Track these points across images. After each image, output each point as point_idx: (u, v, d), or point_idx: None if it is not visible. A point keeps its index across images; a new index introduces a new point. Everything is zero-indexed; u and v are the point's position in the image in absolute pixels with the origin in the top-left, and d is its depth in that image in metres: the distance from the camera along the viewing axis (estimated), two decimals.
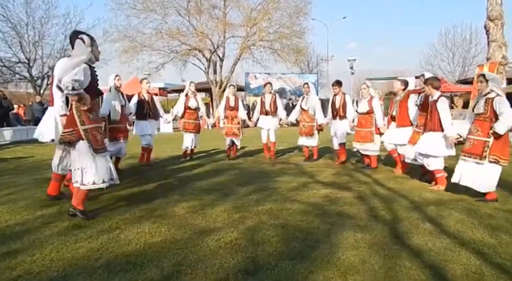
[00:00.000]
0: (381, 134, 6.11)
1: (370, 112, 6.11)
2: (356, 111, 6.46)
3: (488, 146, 3.98)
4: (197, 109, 7.32)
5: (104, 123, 5.86)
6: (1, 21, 20.00)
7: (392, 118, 5.86)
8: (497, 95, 3.97)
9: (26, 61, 21.68)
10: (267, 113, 7.41)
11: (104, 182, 3.45)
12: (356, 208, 3.81)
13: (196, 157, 7.83)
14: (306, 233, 3.02)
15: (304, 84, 7.42)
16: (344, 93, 6.76)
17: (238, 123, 7.37)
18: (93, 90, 3.48)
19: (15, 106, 16.07)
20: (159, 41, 23.34)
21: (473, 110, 4.19)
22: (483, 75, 4.11)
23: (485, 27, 11.39)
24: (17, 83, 23.83)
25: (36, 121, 15.47)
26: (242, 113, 7.54)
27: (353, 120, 6.53)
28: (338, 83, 6.79)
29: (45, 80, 21.30)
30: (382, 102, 6.77)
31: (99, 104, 3.94)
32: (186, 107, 7.23)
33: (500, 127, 3.88)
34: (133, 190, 4.62)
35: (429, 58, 33.15)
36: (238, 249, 2.70)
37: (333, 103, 6.76)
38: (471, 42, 31.29)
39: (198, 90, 29.90)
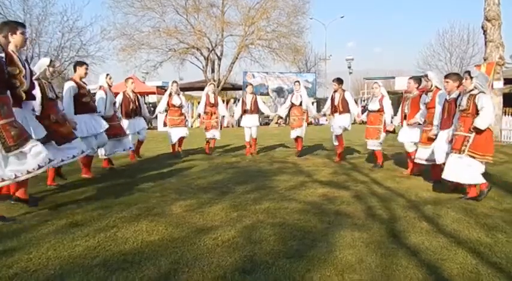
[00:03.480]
0: (387, 132, 6.21)
1: (380, 110, 6.24)
2: (367, 108, 6.67)
3: (468, 141, 4.01)
4: (181, 107, 7.69)
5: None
6: None
7: (405, 117, 5.85)
8: (480, 91, 4.01)
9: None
10: (248, 112, 8.04)
11: (28, 172, 3.26)
12: (353, 207, 3.82)
13: (194, 156, 7.84)
14: (304, 232, 3.03)
15: (295, 82, 8.09)
16: (344, 90, 7.05)
17: (217, 118, 8.03)
18: (2, 83, 3.21)
19: None
20: (157, 39, 23.29)
21: (458, 107, 4.22)
22: (468, 72, 4.18)
23: (482, 27, 11.42)
24: None
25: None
26: (222, 109, 8.24)
27: (357, 115, 6.91)
28: (338, 80, 7.08)
29: None
30: None
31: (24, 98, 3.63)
32: (170, 105, 7.58)
33: (480, 122, 3.90)
34: (130, 189, 4.61)
35: (427, 58, 33.25)
36: (236, 247, 2.70)
37: (332, 99, 7.06)
38: (468, 42, 31.41)
39: (196, 88, 29.90)
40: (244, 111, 8.05)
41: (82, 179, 5.22)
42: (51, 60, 4.64)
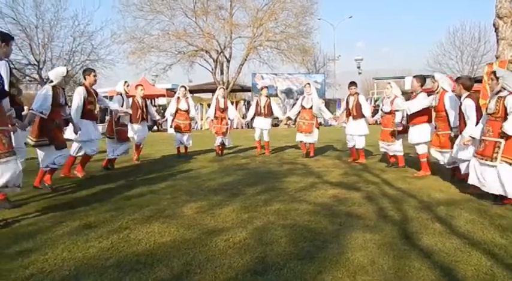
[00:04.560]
0: (399, 132, 6.13)
1: (392, 112, 6.17)
2: (381, 110, 6.62)
3: (499, 147, 3.71)
4: (187, 111, 7.80)
5: (111, 125, 6.19)
6: (11, 24, 20.26)
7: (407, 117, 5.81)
8: (510, 93, 3.70)
9: (36, 63, 21.95)
10: (261, 115, 8.07)
11: (6, 187, 3.31)
12: (365, 208, 3.80)
13: (204, 157, 7.89)
14: (315, 234, 3.02)
15: (306, 84, 7.98)
16: (358, 94, 6.98)
17: (227, 124, 8.05)
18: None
19: (25, 107, 16.17)
20: (166, 42, 23.51)
21: (486, 110, 4.01)
22: (494, 73, 3.87)
23: (494, 25, 11.25)
24: (27, 84, 24.12)
25: None
26: (231, 113, 8.31)
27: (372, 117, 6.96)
28: (353, 84, 7.01)
29: None
30: None
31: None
32: (177, 109, 7.76)
33: (508, 127, 3.59)
34: (142, 190, 4.66)
35: (437, 57, 32.83)
36: (247, 249, 2.70)
37: (347, 103, 7.01)
38: (480, 40, 30.94)
39: (205, 90, 30.06)
40: (258, 114, 8.07)
41: (94, 181, 5.29)
42: (67, 71, 4.92)
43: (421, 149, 5.61)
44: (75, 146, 5.49)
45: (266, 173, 5.93)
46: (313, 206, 3.88)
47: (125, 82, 6.57)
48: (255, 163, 7.09)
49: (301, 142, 7.88)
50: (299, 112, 7.79)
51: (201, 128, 18.72)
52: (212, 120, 8.12)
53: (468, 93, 4.54)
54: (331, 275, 2.29)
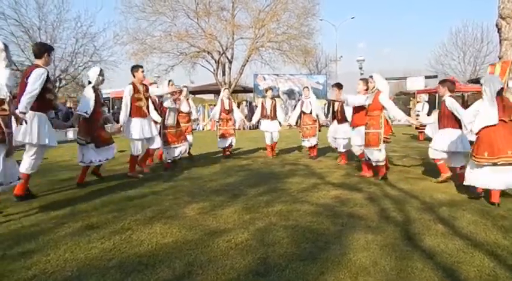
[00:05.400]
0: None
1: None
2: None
3: None
4: (189, 113, 7.51)
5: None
6: (14, 26, 20.34)
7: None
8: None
9: None
10: (267, 118, 7.91)
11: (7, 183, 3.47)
12: (367, 209, 3.79)
13: (205, 158, 7.88)
14: (317, 235, 3.02)
15: (304, 88, 7.88)
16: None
17: (233, 124, 7.92)
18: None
19: None
20: (168, 44, 23.52)
21: None
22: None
23: (496, 25, 11.21)
24: None
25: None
26: (237, 115, 8.12)
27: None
28: (337, 86, 6.78)
29: (57, 83, 21.60)
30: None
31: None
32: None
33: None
34: (144, 191, 4.66)
35: (439, 57, 32.74)
36: (249, 250, 2.71)
37: (332, 106, 6.98)
38: (482, 41, 30.83)
39: (207, 91, 30.01)
40: (264, 116, 7.94)
41: (95, 182, 5.30)
42: (100, 70, 5.27)
43: (360, 150, 5.73)
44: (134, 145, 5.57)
45: (268, 174, 5.92)
46: (315, 207, 3.87)
47: (169, 81, 6.41)
48: (256, 164, 7.09)
49: (309, 147, 7.79)
50: (299, 117, 7.73)
51: (203, 129, 18.74)
52: (217, 121, 8.02)
53: (450, 94, 4.96)
54: (333, 276, 2.29)
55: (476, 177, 3.98)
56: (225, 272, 2.35)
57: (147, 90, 5.74)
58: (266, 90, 8.68)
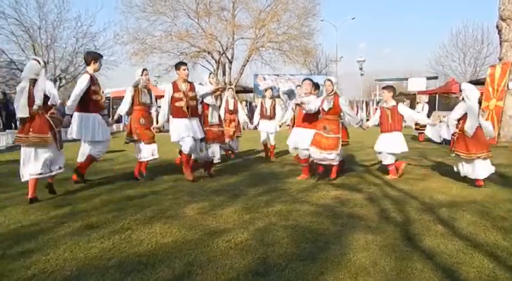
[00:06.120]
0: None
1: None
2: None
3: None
4: (235, 112, 7.48)
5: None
6: (15, 25, 20.35)
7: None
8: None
9: None
10: (266, 118, 7.73)
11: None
12: (367, 209, 3.79)
13: None
14: (316, 235, 3.02)
15: (297, 86, 7.68)
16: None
17: (235, 126, 7.64)
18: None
19: None
20: (168, 43, 23.56)
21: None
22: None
23: (497, 27, 11.24)
24: None
25: None
26: (242, 116, 7.91)
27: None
28: (308, 83, 5.93)
29: (58, 83, 21.60)
30: None
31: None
32: (227, 110, 7.48)
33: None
34: (144, 191, 4.66)
35: (440, 59, 32.80)
36: (249, 250, 2.70)
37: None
38: (483, 42, 30.89)
39: None
40: (263, 116, 7.74)
41: (95, 182, 5.30)
42: (143, 70, 5.45)
43: (305, 154, 5.46)
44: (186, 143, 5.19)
45: (268, 174, 5.92)
46: (315, 207, 3.87)
47: (210, 74, 6.20)
48: (256, 164, 7.09)
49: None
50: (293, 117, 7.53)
51: None
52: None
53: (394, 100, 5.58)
54: (333, 276, 2.28)
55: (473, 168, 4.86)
56: (225, 272, 2.35)
57: (191, 89, 5.34)
58: (265, 90, 8.37)
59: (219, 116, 6.08)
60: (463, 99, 4.92)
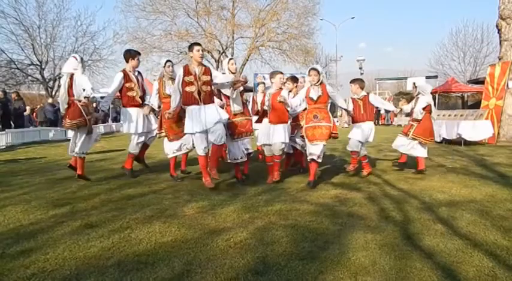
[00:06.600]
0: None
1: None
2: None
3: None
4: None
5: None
6: (14, 24, 20.38)
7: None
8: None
9: (38, 63, 22.03)
10: (257, 114, 6.77)
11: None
12: (366, 208, 3.79)
13: None
14: (316, 234, 3.02)
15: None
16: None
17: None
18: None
19: (27, 108, 16.16)
20: (168, 43, 23.60)
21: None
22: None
23: (497, 26, 11.23)
24: (30, 85, 24.21)
25: (50, 122, 15.61)
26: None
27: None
28: (292, 80, 6.08)
29: (57, 82, 21.59)
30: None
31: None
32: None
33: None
34: (143, 190, 4.66)
35: (439, 58, 32.83)
36: (248, 249, 2.70)
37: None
38: (483, 41, 30.93)
39: None
40: (256, 113, 6.94)
41: (95, 181, 5.30)
42: (167, 60, 5.61)
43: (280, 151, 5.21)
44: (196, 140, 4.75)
45: (267, 173, 5.91)
46: (315, 206, 3.87)
47: (230, 59, 5.64)
48: (256, 163, 7.08)
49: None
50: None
51: None
52: None
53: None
54: (332, 276, 2.28)
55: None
56: (224, 271, 2.35)
57: (206, 73, 4.68)
58: (258, 84, 7.33)
59: (244, 103, 5.44)
60: (418, 93, 5.91)
